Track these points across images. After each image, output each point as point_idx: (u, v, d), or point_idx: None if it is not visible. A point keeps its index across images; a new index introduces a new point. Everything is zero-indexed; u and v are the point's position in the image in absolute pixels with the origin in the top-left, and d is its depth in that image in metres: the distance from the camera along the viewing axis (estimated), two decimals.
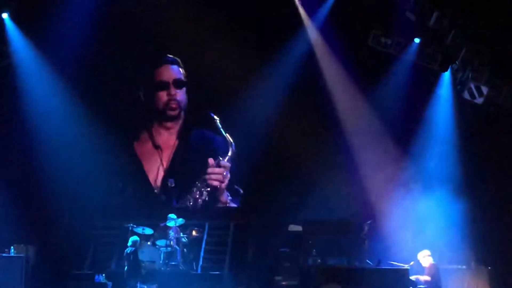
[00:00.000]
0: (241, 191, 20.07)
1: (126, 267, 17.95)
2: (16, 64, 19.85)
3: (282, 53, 20.38)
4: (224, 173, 19.56)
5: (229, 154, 19.56)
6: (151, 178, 20.56)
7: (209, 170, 19.64)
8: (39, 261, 19.19)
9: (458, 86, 19.97)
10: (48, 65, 19.94)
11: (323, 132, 21.01)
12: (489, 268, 18.92)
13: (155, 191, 20.47)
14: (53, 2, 19.42)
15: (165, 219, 18.85)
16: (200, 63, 20.20)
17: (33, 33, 19.75)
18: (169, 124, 20.79)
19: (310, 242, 19.01)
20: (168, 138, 20.89)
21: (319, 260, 18.34)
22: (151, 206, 19.93)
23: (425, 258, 17.68)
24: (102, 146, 20.09)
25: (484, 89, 19.27)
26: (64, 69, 19.82)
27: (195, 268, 19.41)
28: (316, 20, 20.56)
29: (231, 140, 19.35)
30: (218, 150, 19.99)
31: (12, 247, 18.41)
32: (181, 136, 20.79)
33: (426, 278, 17.36)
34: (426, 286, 17.34)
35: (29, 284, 18.22)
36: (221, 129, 19.29)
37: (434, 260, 17.83)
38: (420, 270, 17.69)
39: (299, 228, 19.70)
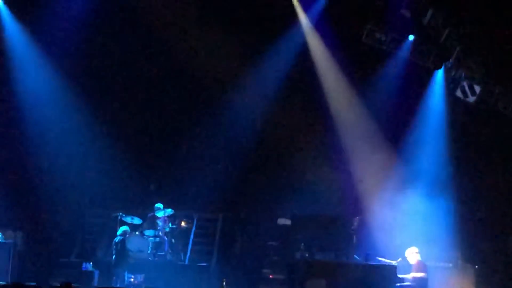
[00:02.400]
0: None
1: (113, 256, 17.98)
2: (10, 49, 19.75)
3: (275, 46, 20.32)
4: None
5: None
6: None
7: None
8: (27, 248, 19.16)
9: (450, 84, 19.95)
10: (42, 51, 19.85)
11: (315, 127, 20.99)
12: (476, 266, 18.95)
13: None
14: None
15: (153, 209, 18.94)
16: (192, 55, 20.14)
17: (27, 19, 19.66)
18: None
19: (298, 236, 19.03)
20: None
21: (306, 254, 18.35)
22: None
23: (412, 255, 17.68)
24: (93, 134, 20.09)
25: (477, 88, 19.27)
26: (58, 55, 19.73)
27: (183, 258, 19.47)
28: (311, 14, 20.50)
29: None
30: None
31: (0, 232, 18.38)
32: None
33: (414, 275, 17.39)
34: (413, 283, 17.34)
35: (17, 269, 18.19)
36: None
37: (421, 257, 17.84)
38: (407, 266, 17.70)
39: (287, 222, 19.74)
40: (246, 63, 20.52)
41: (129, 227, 18.51)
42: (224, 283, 11.97)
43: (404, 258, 17.86)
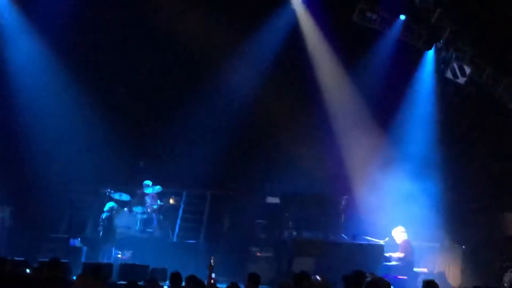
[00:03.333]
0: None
1: (101, 232, 17.95)
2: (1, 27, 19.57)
3: (266, 26, 20.23)
4: None
5: None
6: None
7: None
8: (15, 223, 19.10)
9: (441, 65, 19.94)
10: (29, 23, 19.67)
11: (304, 107, 20.96)
12: (463, 246, 19.06)
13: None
14: None
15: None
16: (182, 34, 20.04)
17: None
18: None
19: (286, 214, 19.08)
20: None
21: (294, 233, 18.40)
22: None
23: (399, 234, 17.75)
24: (82, 111, 20.01)
25: (467, 69, 19.26)
26: (47, 30, 19.56)
27: (171, 236, 19.49)
28: None
29: None
30: None
31: None
32: None
33: (400, 254, 17.47)
34: (399, 262, 17.43)
35: (4, 244, 18.17)
36: None
37: (408, 237, 17.91)
38: (394, 246, 17.78)
39: (276, 200, 19.76)
40: (236, 43, 20.43)
41: (118, 204, 18.49)
42: (212, 261, 11.95)
43: (391, 238, 17.95)
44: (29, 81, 19.63)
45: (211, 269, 11.91)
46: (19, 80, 19.52)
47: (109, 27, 20.20)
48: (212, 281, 11.74)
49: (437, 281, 10.96)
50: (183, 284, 10.94)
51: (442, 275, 17.70)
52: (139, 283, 11.11)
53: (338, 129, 20.68)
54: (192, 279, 11.18)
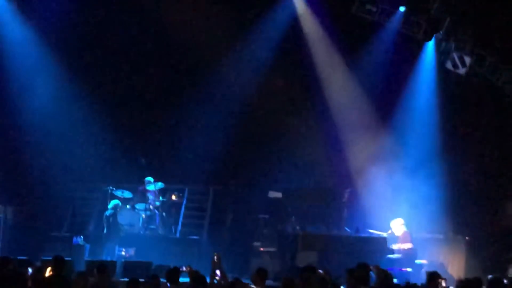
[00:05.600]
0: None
1: (104, 230, 17.96)
2: None
3: (266, 17, 20.18)
4: None
5: None
6: None
7: None
8: (18, 222, 19.10)
9: (441, 56, 19.90)
10: (27, 19, 19.61)
11: (306, 100, 20.94)
12: (466, 238, 19.03)
13: None
14: None
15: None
16: (182, 25, 19.99)
17: None
18: None
19: (289, 209, 19.02)
20: None
21: (297, 227, 18.36)
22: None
23: (398, 226, 17.73)
24: (82, 108, 19.98)
25: (467, 60, 19.21)
26: (44, 27, 19.50)
27: (174, 232, 19.48)
28: None
29: None
30: None
31: None
32: None
33: (400, 246, 17.46)
34: (401, 254, 17.43)
35: (7, 244, 18.15)
36: None
37: (409, 229, 17.89)
38: (396, 238, 17.78)
39: (278, 195, 19.72)
40: (236, 35, 20.40)
41: (120, 201, 18.49)
42: (216, 257, 11.90)
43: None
44: (29, 79, 19.61)
45: (214, 265, 11.86)
46: (18, 78, 19.48)
47: (108, 23, 20.15)
48: (216, 277, 11.70)
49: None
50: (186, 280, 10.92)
51: (442, 266, 17.66)
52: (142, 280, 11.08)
53: (339, 122, 20.64)
54: (196, 274, 11.17)
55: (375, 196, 19.28)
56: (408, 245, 17.48)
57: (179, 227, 19.67)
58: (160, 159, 20.39)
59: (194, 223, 20.25)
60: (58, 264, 11.63)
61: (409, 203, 18.92)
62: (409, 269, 17.07)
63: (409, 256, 17.46)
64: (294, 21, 20.53)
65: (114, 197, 18.53)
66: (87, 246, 18.21)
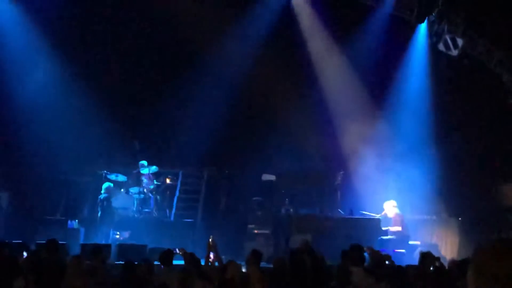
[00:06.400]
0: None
1: (99, 214, 18.00)
2: None
3: (259, 3, 20.16)
4: None
5: None
6: None
7: None
8: (13, 206, 19.12)
9: (433, 38, 19.92)
10: (23, 12, 19.57)
11: (299, 84, 20.96)
12: (459, 219, 19.14)
13: None
14: None
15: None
16: (176, 10, 19.95)
17: None
18: None
19: (283, 191, 19.12)
20: None
21: (291, 210, 18.44)
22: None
23: (390, 208, 17.80)
24: (76, 91, 19.95)
25: (459, 41, 19.25)
26: (38, 12, 19.45)
27: (168, 215, 19.52)
28: None
29: None
30: None
31: None
32: None
33: (398, 228, 17.53)
34: (393, 235, 17.51)
35: (2, 228, 18.19)
36: None
37: (401, 211, 17.96)
38: (389, 219, 17.85)
39: (272, 177, 19.80)
40: (230, 20, 20.37)
41: (114, 185, 18.52)
42: (210, 240, 11.95)
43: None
44: (22, 64, 19.56)
45: (209, 247, 11.91)
46: (11, 63, 19.42)
47: (100, 6, 20.12)
48: (210, 260, 11.76)
49: None
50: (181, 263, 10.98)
51: (435, 247, 17.77)
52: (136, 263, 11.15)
53: (332, 105, 20.68)
54: (190, 257, 11.24)
55: (368, 178, 19.36)
56: (397, 228, 17.56)
57: (173, 210, 19.70)
58: (154, 143, 20.41)
59: (189, 206, 20.28)
60: (52, 247, 11.68)
61: (402, 186, 18.99)
62: (402, 250, 17.17)
63: (402, 238, 17.55)
64: (287, 5, 20.54)
65: (108, 181, 18.56)
66: (82, 229, 18.24)
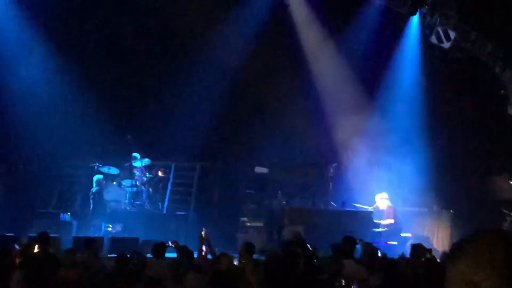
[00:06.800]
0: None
1: (91, 206, 17.99)
2: None
3: None
4: None
5: None
6: None
7: None
8: (4, 199, 19.09)
9: (426, 30, 19.93)
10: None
11: (292, 76, 20.94)
12: (451, 211, 19.19)
13: None
14: None
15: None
16: (169, 5, 19.91)
17: None
18: None
19: (275, 184, 19.12)
20: None
21: (284, 202, 18.46)
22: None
23: (382, 200, 17.83)
24: (69, 83, 19.91)
25: (452, 34, 19.26)
26: (35, 7, 19.38)
27: (160, 208, 19.51)
28: None
29: None
30: None
31: None
32: None
33: (390, 221, 17.57)
34: (385, 228, 17.55)
35: None
36: None
37: (393, 203, 17.99)
38: (380, 212, 17.88)
39: (265, 170, 19.80)
40: (222, 12, 20.34)
41: (106, 177, 18.51)
42: (204, 232, 11.96)
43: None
44: (15, 55, 19.50)
45: (202, 240, 11.93)
46: (4, 54, 19.37)
47: (95, 1, 20.08)
48: (203, 253, 11.78)
49: None
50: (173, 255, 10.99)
51: (427, 239, 17.82)
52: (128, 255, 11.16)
53: (325, 97, 20.68)
54: (183, 249, 11.26)
55: (360, 171, 19.39)
56: (390, 221, 17.60)
57: (166, 203, 19.69)
58: (147, 135, 20.38)
59: (181, 199, 20.28)
60: (44, 240, 11.67)
61: (393, 178, 19.02)
62: (394, 242, 17.21)
63: (394, 230, 17.59)
64: None
65: (100, 173, 18.54)
66: (75, 222, 18.23)
